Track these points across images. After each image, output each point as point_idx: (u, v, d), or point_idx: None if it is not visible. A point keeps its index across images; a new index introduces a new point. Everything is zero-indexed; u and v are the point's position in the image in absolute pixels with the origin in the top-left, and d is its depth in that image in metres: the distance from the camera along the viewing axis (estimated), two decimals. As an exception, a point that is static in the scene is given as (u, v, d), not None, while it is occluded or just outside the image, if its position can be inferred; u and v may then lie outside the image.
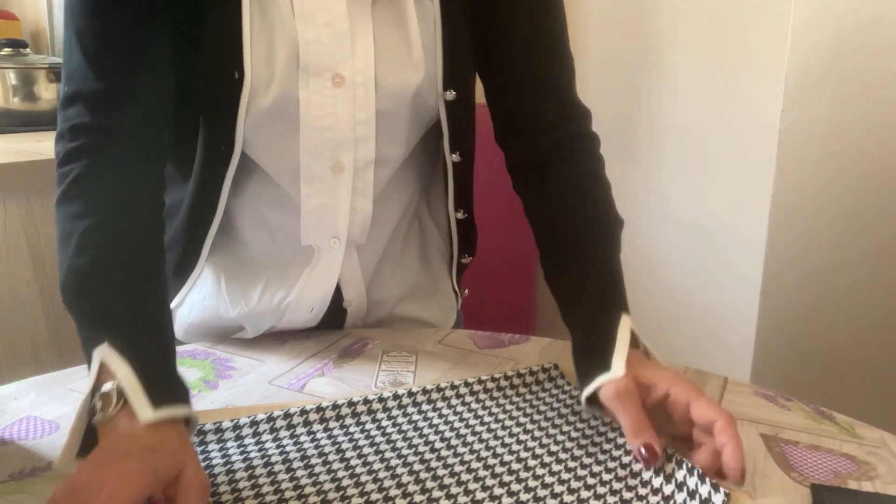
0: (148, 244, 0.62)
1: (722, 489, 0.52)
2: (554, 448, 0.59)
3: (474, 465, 0.57)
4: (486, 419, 0.64)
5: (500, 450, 0.59)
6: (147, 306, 0.57)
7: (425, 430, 0.62)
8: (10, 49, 1.82)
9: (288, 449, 0.59)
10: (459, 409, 0.66)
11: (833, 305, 1.62)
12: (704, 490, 0.52)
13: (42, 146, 1.49)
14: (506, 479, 0.55)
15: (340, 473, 0.55)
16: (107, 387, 0.51)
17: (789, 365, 1.61)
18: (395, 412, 0.65)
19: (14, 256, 1.31)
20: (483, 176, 0.89)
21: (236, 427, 0.61)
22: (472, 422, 0.63)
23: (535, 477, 0.55)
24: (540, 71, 0.75)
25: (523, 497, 0.53)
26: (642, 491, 0.54)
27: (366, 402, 0.65)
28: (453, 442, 0.60)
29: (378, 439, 0.60)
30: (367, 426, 0.63)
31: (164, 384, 0.53)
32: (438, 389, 0.68)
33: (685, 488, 0.53)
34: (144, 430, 0.49)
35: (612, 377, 0.59)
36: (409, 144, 0.77)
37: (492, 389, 0.69)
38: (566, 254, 0.71)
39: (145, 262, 0.60)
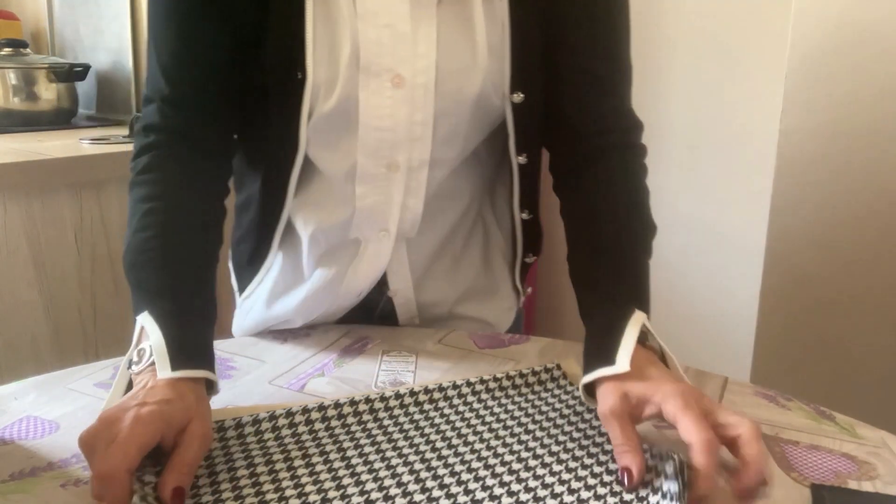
0: (197, 229, 0.68)
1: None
2: (555, 448, 0.59)
3: (475, 464, 0.57)
4: (488, 418, 0.64)
5: (500, 449, 0.59)
6: (186, 284, 0.64)
7: (426, 430, 0.62)
8: (10, 49, 1.82)
9: (289, 447, 0.59)
10: (461, 408, 0.66)
11: (833, 305, 1.62)
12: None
13: (42, 146, 1.49)
14: (506, 478, 0.55)
15: (341, 472, 0.56)
16: (143, 345, 0.59)
17: (789, 365, 1.61)
18: (396, 411, 0.65)
19: (14, 256, 1.31)
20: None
21: (238, 426, 0.61)
22: (473, 421, 0.63)
23: (536, 477, 0.55)
24: (598, 77, 0.74)
25: (523, 497, 0.53)
26: (643, 492, 0.54)
27: (367, 400, 0.65)
28: (454, 441, 0.60)
29: (379, 438, 0.60)
30: (369, 425, 0.63)
31: (187, 351, 0.59)
32: (440, 389, 0.68)
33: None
34: (164, 384, 0.55)
35: (614, 371, 0.59)
36: (467, 146, 0.77)
37: (493, 389, 0.69)
38: (595, 250, 0.71)
39: (192, 244, 0.67)
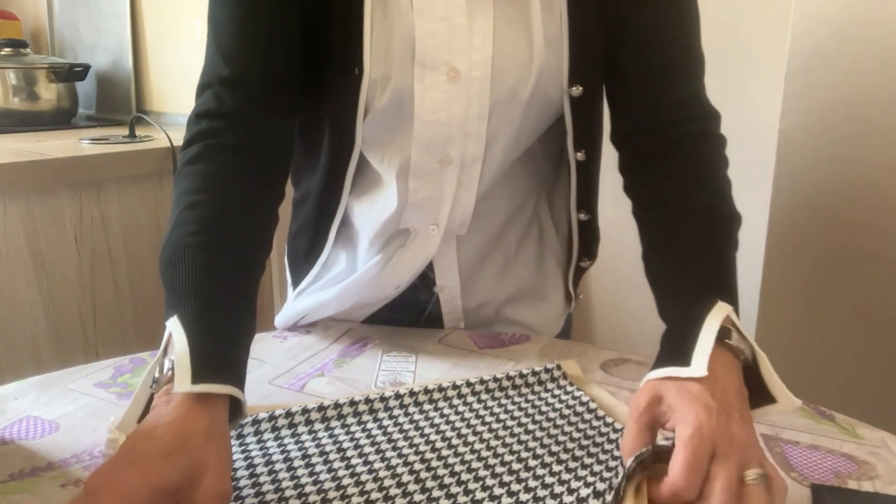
0: (242, 228, 0.62)
1: None
2: (554, 448, 0.59)
3: (474, 464, 0.57)
4: (488, 419, 0.64)
5: (500, 449, 0.59)
6: (223, 287, 0.57)
7: (426, 430, 0.62)
8: (10, 49, 1.82)
9: (289, 447, 0.59)
10: (461, 408, 0.66)
11: (833, 305, 1.62)
12: None
13: (42, 146, 1.49)
14: (506, 478, 0.55)
15: (341, 472, 0.56)
16: (169, 357, 0.51)
17: (789, 365, 1.61)
18: (396, 411, 0.65)
19: (14, 256, 1.31)
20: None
21: (238, 426, 0.61)
22: (473, 421, 0.63)
23: (536, 477, 0.55)
24: (668, 65, 0.70)
25: (523, 497, 0.52)
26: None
27: (367, 401, 0.65)
28: (454, 441, 0.60)
29: (379, 438, 0.60)
30: (369, 425, 0.63)
31: (213, 362, 0.51)
32: (440, 389, 0.68)
33: None
34: (171, 420, 0.47)
35: (688, 374, 0.51)
36: (522, 142, 0.76)
37: (493, 389, 0.68)
38: (673, 244, 0.65)
39: (235, 244, 0.60)
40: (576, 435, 0.61)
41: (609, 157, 0.79)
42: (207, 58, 0.68)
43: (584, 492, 0.53)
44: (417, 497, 0.52)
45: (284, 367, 0.75)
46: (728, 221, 0.67)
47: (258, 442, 0.60)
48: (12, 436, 0.61)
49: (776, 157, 1.48)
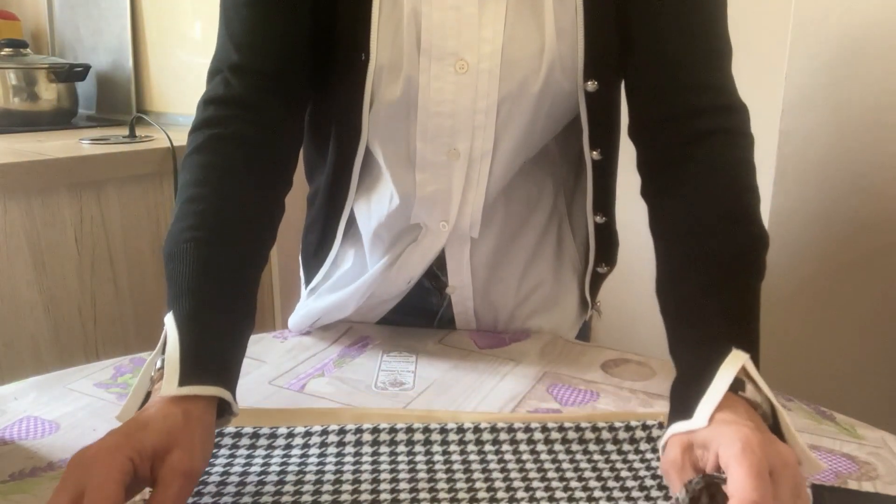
0: (243, 223, 0.61)
1: None
2: None
3: None
4: (549, 474, 0.55)
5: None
6: (219, 284, 0.56)
7: (486, 473, 0.55)
8: (10, 49, 1.82)
9: (290, 467, 0.56)
10: (525, 456, 0.57)
11: (833, 306, 1.62)
12: None
13: (42, 146, 1.49)
14: None
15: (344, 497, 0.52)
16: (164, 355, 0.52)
17: (789, 365, 1.61)
18: (453, 447, 0.58)
19: (14, 256, 1.31)
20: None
21: (227, 423, 0.56)
22: (532, 475, 0.54)
23: None
24: (688, 51, 0.65)
25: None
26: None
27: (407, 430, 0.59)
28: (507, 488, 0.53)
29: (403, 473, 0.55)
30: (400, 456, 0.57)
31: (202, 362, 0.51)
32: (510, 430, 0.59)
33: None
34: (159, 402, 0.48)
35: (688, 428, 0.48)
36: (535, 139, 0.74)
37: (573, 440, 0.58)
38: (688, 271, 0.59)
39: (234, 239, 0.59)
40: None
41: (621, 160, 0.78)
42: (218, 44, 0.68)
43: None
44: None
45: (284, 367, 0.75)
46: (753, 245, 0.58)
47: (266, 456, 0.57)
48: (12, 436, 0.61)
49: (776, 157, 1.48)
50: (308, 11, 0.67)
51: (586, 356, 0.78)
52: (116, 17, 1.93)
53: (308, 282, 0.87)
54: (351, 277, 0.83)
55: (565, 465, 0.56)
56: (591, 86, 0.68)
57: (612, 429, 0.59)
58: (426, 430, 0.60)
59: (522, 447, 0.58)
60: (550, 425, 0.60)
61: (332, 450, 0.58)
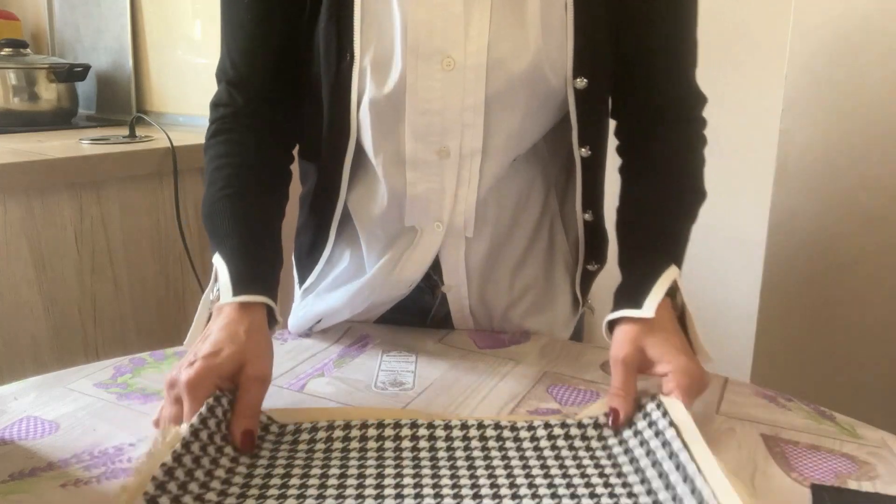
0: (262, 183, 0.74)
1: None
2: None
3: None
4: (535, 471, 0.56)
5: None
6: (252, 228, 0.70)
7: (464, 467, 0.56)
8: (10, 49, 1.82)
9: (332, 460, 0.57)
10: (529, 453, 0.58)
11: (833, 305, 1.62)
12: None
13: (42, 146, 1.49)
14: None
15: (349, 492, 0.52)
16: (217, 282, 0.66)
17: (789, 365, 1.61)
18: (440, 443, 0.59)
19: (14, 256, 1.31)
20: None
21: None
22: (517, 472, 0.56)
23: None
24: (665, 57, 0.74)
25: None
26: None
27: (423, 426, 0.60)
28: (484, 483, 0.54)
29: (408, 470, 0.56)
30: (422, 454, 0.58)
31: (248, 281, 0.65)
32: (513, 428, 0.60)
33: None
34: (220, 327, 0.61)
35: (638, 315, 0.63)
36: (525, 137, 0.75)
37: (557, 437, 0.60)
38: (643, 206, 0.74)
39: (258, 195, 0.73)
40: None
41: (611, 162, 0.80)
42: (221, 52, 0.77)
43: None
44: None
45: (284, 367, 0.75)
46: (693, 197, 0.75)
47: (310, 450, 0.58)
48: (12, 436, 0.61)
49: (776, 157, 1.48)
50: (297, 25, 0.72)
51: (586, 356, 0.78)
52: (116, 17, 1.93)
53: (302, 282, 0.87)
54: (348, 276, 0.83)
55: (563, 462, 0.57)
56: (581, 83, 0.70)
57: (580, 425, 0.61)
58: (430, 426, 0.61)
59: (526, 444, 0.59)
60: (536, 423, 0.61)
61: (337, 444, 0.59)
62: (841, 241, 1.59)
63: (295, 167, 0.83)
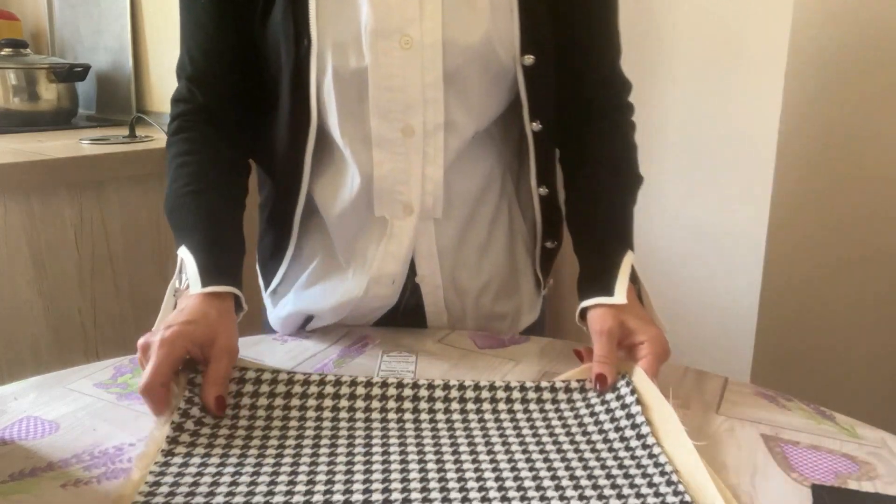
0: (223, 177, 0.77)
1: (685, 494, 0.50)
2: (575, 465, 0.56)
3: (487, 474, 0.54)
4: (524, 430, 0.61)
5: (517, 458, 0.57)
6: (215, 221, 0.74)
7: (449, 434, 0.60)
8: (10, 49, 1.82)
9: (307, 414, 0.63)
10: (504, 416, 0.64)
11: (833, 305, 1.62)
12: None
13: (42, 146, 1.49)
14: (511, 493, 0.52)
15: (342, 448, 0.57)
16: (183, 273, 0.70)
17: (789, 365, 1.61)
18: (423, 404, 0.64)
19: (14, 256, 1.31)
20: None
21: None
22: (509, 432, 0.61)
23: (543, 498, 0.51)
24: (594, 48, 0.81)
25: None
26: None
27: (399, 385, 0.66)
28: (472, 448, 0.58)
29: (377, 433, 0.61)
30: (389, 415, 0.63)
31: (215, 272, 0.69)
32: (476, 388, 0.66)
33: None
34: (192, 306, 0.66)
35: (613, 302, 0.70)
36: (483, 112, 0.78)
37: (531, 400, 0.66)
38: (591, 198, 0.80)
39: (219, 189, 0.76)
40: (609, 462, 0.57)
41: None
42: (181, 50, 0.80)
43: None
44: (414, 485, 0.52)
45: (284, 367, 0.75)
46: (633, 183, 0.81)
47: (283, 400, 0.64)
48: (12, 436, 0.61)
49: (776, 157, 1.48)
50: (253, 22, 0.74)
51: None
52: (116, 17, 1.93)
53: (267, 285, 0.88)
54: (324, 271, 0.84)
55: (535, 417, 0.64)
56: (528, 60, 0.74)
57: (567, 389, 0.67)
58: (415, 385, 0.66)
59: (501, 406, 0.65)
60: (528, 384, 0.67)
61: (328, 403, 0.64)
62: (840, 240, 1.59)
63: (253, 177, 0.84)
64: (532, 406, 0.65)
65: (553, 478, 0.54)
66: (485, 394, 0.65)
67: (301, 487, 0.52)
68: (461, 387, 0.66)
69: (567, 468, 0.55)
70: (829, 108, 1.52)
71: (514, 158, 0.87)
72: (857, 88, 1.52)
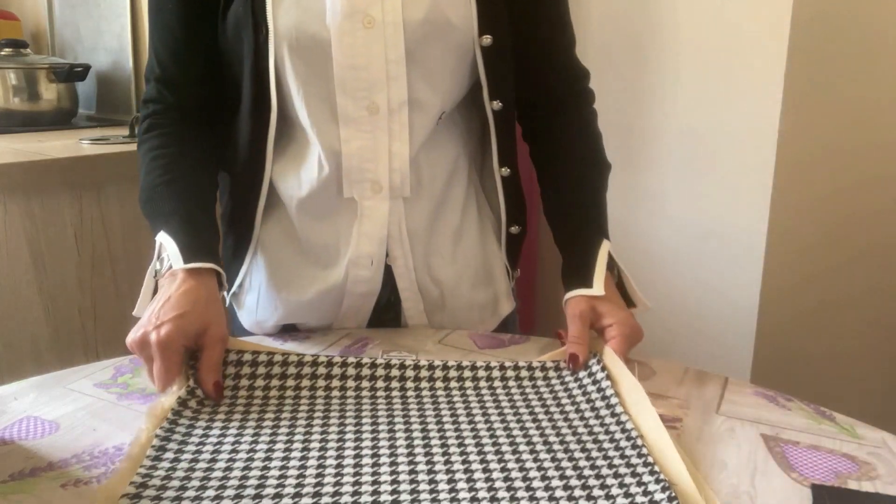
0: (195, 168, 0.81)
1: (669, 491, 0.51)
2: (552, 439, 0.59)
3: (469, 449, 0.58)
4: (503, 404, 0.66)
5: (498, 435, 0.60)
6: (191, 207, 0.77)
7: (426, 410, 0.64)
8: (10, 49, 1.82)
9: (302, 396, 0.67)
10: (483, 392, 0.68)
11: (833, 305, 1.62)
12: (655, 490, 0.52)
13: (42, 146, 1.49)
14: (492, 465, 0.55)
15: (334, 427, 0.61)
16: (163, 255, 0.73)
17: (789, 365, 1.61)
18: (409, 384, 0.69)
19: (14, 256, 1.31)
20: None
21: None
22: (488, 406, 0.65)
23: (522, 469, 0.55)
24: (549, 40, 0.85)
25: (498, 484, 0.53)
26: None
27: (382, 366, 0.70)
28: (452, 426, 0.61)
29: (387, 407, 0.65)
30: (378, 394, 0.67)
31: (195, 251, 0.72)
32: (459, 367, 0.71)
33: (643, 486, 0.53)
34: (181, 292, 0.68)
35: (592, 293, 0.77)
36: (447, 90, 0.80)
37: (509, 378, 0.71)
38: (562, 190, 0.86)
39: (193, 178, 0.80)
40: (580, 430, 0.61)
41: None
42: (149, 53, 0.83)
43: (559, 489, 0.53)
44: (404, 478, 0.54)
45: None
46: (603, 171, 0.86)
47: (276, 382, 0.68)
48: (12, 436, 0.61)
49: (776, 157, 1.48)
50: (216, 18, 0.77)
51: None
52: (116, 17, 1.93)
53: (230, 286, 0.87)
54: (291, 268, 0.84)
55: (513, 393, 0.68)
56: (486, 40, 0.77)
57: (543, 368, 0.73)
58: (402, 366, 0.71)
59: (482, 383, 0.70)
60: (508, 363, 0.72)
61: (321, 382, 0.68)
62: (840, 240, 1.59)
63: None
64: (511, 383, 0.70)
65: (528, 443, 0.59)
66: (467, 373, 0.70)
67: (296, 454, 0.57)
68: (445, 366, 0.71)
69: (541, 435, 0.60)
70: (829, 108, 1.52)
71: (477, 147, 0.89)
72: (856, 88, 1.52)
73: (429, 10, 0.74)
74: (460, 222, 0.86)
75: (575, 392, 0.68)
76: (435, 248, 0.85)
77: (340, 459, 0.56)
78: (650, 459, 0.55)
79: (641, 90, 1.66)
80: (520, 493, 0.52)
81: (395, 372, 0.70)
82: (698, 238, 1.62)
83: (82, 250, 1.40)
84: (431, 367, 0.70)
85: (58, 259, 1.37)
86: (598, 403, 0.65)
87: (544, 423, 0.62)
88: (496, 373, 0.71)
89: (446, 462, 0.55)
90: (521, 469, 0.55)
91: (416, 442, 0.59)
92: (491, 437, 0.59)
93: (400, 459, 0.56)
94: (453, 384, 0.69)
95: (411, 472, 0.54)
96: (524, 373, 0.71)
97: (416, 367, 0.70)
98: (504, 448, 0.58)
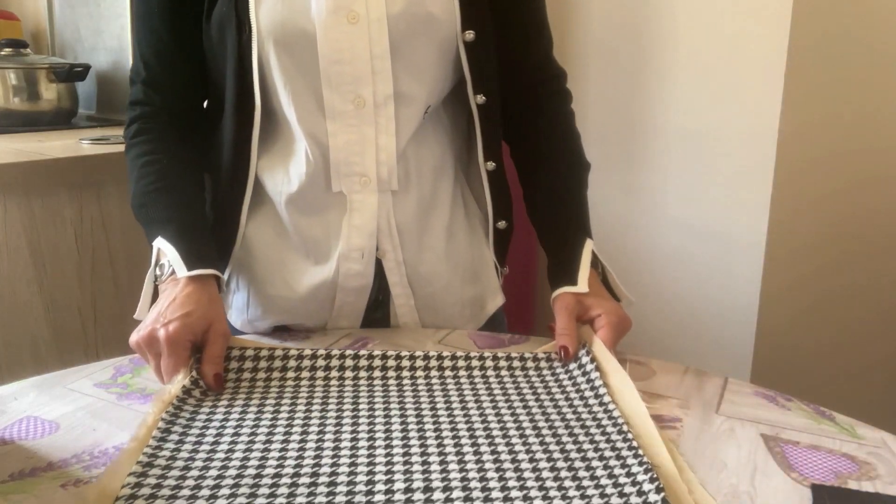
0: (186, 172, 0.82)
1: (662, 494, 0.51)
2: (545, 432, 0.60)
3: (463, 440, 0.59)
4: (496, 396, 0.67)
5: (491, 425, 0.61)
6: (185, 212, 0.79)
7: (419, 401, 0.66)
8: (10, 49, 1.82)
9: (301, 388, 0.68)
10: (477, 383, 0.70)
11: (833, 305, 1.62)
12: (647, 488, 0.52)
13: (42, 146, 1.49)
14: (486, 457, 0.56)
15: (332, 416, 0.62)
16: (162, 261, 0.74)
17: (789, 365, 1.62)
18: (405, 373, 0.71)
19: (14, 256, 1.31)
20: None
21: (256, 358, 0.72)
22: (482, 397, 0.67)
23: (513, 456, 0.56)
24: (527, 40, 0.87)
25: (490, 475, 0.54)
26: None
27: (370, 357, 0.72)
28: (448, 416, 0.63)
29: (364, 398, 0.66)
30: (375, 383, 0.69)
31: (196, 257, 0.74)
32: (453, 357, 0.73)
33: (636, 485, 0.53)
34: (185, 295, 0.70)
35: (576, 290, 0.78)
36: (432, 84, 0.81)
37: (501, 368, 0.72)
38: (544, 190, 0.87)
39: (184, 183, 0.81)
40: (569, 417, 0.62)
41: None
42: (134, 55, 0.84)
43: (549, 481, 0.53)
44: (397, 468, 0.54)
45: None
46: (583, 171, 0.89)
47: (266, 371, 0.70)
48: (12, 436, 0.61)
49: (776, 157, 1.48)
50: (200, 20, 0.78)
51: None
52: (116, 17, 1.93)
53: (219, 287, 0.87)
54: (278, 265, 0.84)
55: (506, 384, 0.70)
56: (469, 36, 0.78)
57: (535, 359, 0.75)
58: (398, 357, 0.73)
59: (476, 374, 0.72)
60: (500, 354, 0.74)
61: (320, 373, 0.71)
62: (840, 240, 1.59)
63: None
64: (504, 372, 0.72)
65: (518, 428, 0.60)
66: (461, 363, 0.73)
67: (296, 437, 0.59)
68: (440, 356, 0.73)
69: (531, 420, 0.62)
70: (828, 107, 1.52)
71: (463, 144, 0.90)
72: (857, 88, 1.52)
73: (413, 7, 0.75)
74: (450, 219, 0.87)
75: (565, 382, 0.70)
76: (427, 244, 0.85)
77: (338, 442, 0.58)
78: (635, 444, 0.57)
79: (642, 90, 1.66)
80: (508, 474, 0.53)
81: (391, 362, 0.72)
82: (698, 238, 1.62)
83: (82, 250, 1.40)
84: (427, 358, 0.73)
85: (58, 259, 1.37)
86: (588, 393, 0.67)
87: (534, 410, 0.64)
88: (489, 362, 0.73)
89: (439, 445, 0.57)
90: (511, 452, 0.57)
91: (410, 425, 0.61)
92: (483, 422, 0.62)
93: (395, 442, 0.58)
94: (448, 373, 0.71)
95: (405, 454, 0.56)
96: (516, 363, 0.74)
97: (412, 358, 0.73)
98: (495, 432, 0.60)
